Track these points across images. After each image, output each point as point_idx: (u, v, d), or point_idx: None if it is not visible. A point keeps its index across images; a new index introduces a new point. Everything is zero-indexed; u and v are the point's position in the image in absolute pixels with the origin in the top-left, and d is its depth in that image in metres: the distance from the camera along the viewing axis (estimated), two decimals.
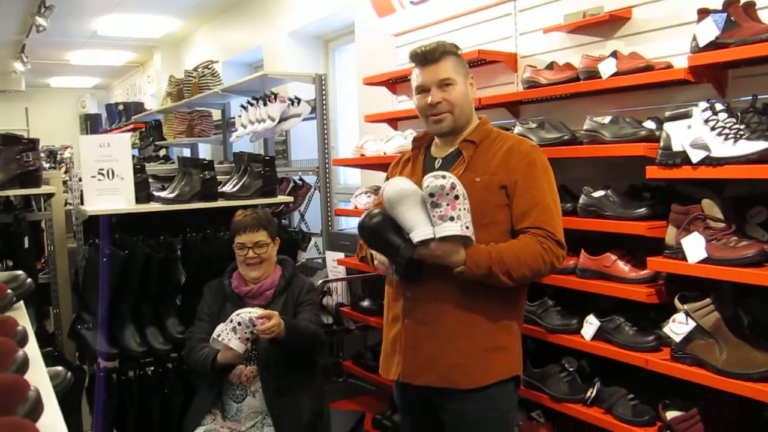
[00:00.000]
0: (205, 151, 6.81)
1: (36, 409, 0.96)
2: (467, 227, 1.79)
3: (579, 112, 2.55)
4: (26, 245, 2.76)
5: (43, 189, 2.86)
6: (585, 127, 2.31)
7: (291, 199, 3.72)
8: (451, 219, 1.76)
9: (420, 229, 1.78)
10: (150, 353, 3.02)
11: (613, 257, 2.21)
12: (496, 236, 1.87)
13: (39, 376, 1.19)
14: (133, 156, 7.13)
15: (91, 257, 2.94)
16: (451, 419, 1.95)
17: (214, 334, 2.49)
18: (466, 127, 2.00)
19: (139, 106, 8.05)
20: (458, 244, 1.79)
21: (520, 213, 1.88)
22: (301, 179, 4.46)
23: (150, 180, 3.37)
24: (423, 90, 1.97)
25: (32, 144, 2.79)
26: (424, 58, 1.95)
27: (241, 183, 3.26)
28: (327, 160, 4.26)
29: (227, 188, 3.29)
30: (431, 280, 1.90)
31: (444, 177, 1.77)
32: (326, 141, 4.29)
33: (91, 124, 10.38)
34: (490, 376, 1.90)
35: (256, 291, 2.69)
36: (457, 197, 1.77)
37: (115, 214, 3.36)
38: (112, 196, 2.98)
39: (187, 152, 6.70)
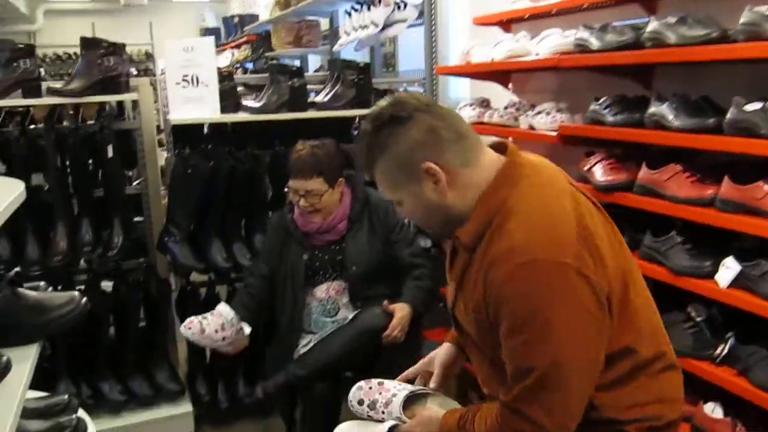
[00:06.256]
0: (314, 63, 6.63)
1: None
2: (413, 384, 1.64)
3: (735, 4, 2.04)
4: (110, 154, 2.67)
5: (125, 95, 2.73)
6: (742, 21, 1.81)
7: None
8: (395, 396, 1.57)
9: (380, 429, 1.55)
10: (236, 269, 2.91)
11: (766, 188, 1.76)
12: None
13: None
14: (246, 68, 7.07)
15: (177, 168, 2.83)
16: None
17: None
18: (464, 217, 1.31)
19: (253, 18, 7.91)
20: (427, 413, 1.48)
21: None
22: (405, 91, 4.15)
23: (241, 89, 3.19)
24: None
25: (114, 48, 2.65)
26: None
27: (333, 92, 3.00)
28: (434, 71, 3.91)
29: (319, 98, 3.04)
30: None
31: (352, 391, 1.65)
32: (434, 49, 3.91)
33: None
34: None
35: (327, 226, 2.42)
36: (381, 383, 1.62)
37: (208, 125, 3.25)
38: (196, 104, 2.82)
39: (297, 64, 6.53)
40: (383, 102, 1.33)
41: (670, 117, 1.97)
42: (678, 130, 1.94)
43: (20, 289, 1.27)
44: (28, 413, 1.29)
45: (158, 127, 3.12)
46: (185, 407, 2.96)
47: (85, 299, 1.28)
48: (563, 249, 1.19)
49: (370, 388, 1.64)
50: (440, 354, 1.66)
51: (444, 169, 1.27)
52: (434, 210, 1.32)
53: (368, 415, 1.63)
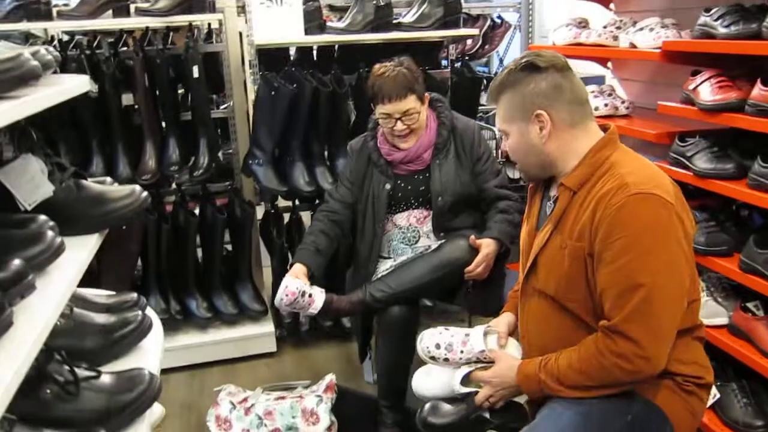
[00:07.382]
0: None
1: None
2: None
3: None
4: (195, 75, 2.68)
5: (210, 15, 2.71)
6: None
7: (475, 32, 3.26)
8: (468, 334, 1.70)
9: (455, 376, 1.67)
10: (318, 193, 2.90)
11: None
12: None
13: None
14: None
15: (261, 91, 2.81)
16: None
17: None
18: (564, 165, 1.53)
19: None
20: (502, 366, 1.61)
21: (597, 295, 1.45)
22: (499, 17, 3.96)
23: (326, 11, 3.12)
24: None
25: None
26: None
27: (420, 11, 2.87)
28: None
29: (406, 18, 2.92)
30: None
31: (421, 338, 1.76)
32: None
33: None
34: None
35: (413, 156, 2.32)
36: (446, 328, 1.76)
37: (295, 48, 3.21)
38: (280, 25, 2.77)
39: None
40: (535, 52, 1.56)
41: None
42: None
43: (83, 181, 1.28)
44: (96, 308, 1.32)
45: (251, 62, 3.10)
46: (268, 327, 3.03)
47: (145, 193, 1.28)
48: (667, 191, 1.39)
49: (440, 333, 1.74)
50: (503, 318, 1.82)
51: (552, 121, 1.48)
52: (532, 151, 1.53)
53: (445, 358, 1.69)
